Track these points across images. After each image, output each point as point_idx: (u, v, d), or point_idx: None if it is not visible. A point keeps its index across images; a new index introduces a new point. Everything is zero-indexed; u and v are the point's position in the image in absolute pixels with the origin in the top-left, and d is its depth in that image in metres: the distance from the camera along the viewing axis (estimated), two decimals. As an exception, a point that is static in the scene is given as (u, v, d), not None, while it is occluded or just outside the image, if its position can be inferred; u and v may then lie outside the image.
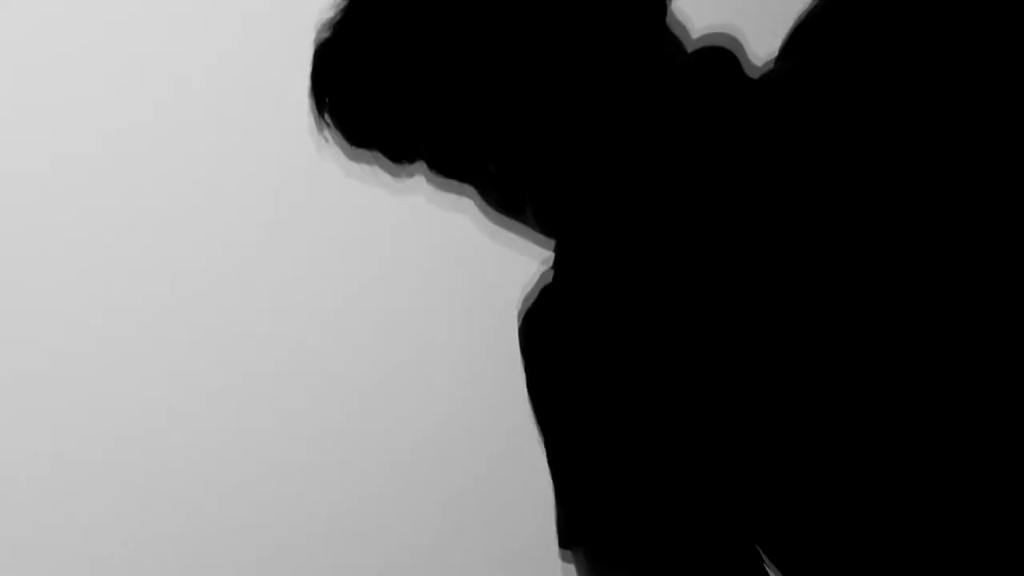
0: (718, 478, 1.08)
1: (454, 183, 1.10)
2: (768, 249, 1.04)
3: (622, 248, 1.10)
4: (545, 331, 1.17)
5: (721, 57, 1.12)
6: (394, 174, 1.11)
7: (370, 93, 1.05)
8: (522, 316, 1.20)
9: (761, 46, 1.14)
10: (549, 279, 1.19)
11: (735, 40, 1.14)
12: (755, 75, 1.13)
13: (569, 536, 1.15)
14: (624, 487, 1.11)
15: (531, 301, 1.19)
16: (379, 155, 1.11)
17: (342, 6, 1.08)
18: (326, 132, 1.08)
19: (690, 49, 1.13)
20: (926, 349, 1.00)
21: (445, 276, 2.24)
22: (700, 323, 1.07)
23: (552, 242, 1.14)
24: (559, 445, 1.16)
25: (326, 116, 1.08)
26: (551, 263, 1.19)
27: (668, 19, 1.11)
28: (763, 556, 1.10)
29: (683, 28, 1.13)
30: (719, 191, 1.05)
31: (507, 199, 1.08)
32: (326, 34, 1.08)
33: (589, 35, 1.04)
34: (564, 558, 1.16)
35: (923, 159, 1.00)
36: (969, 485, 0.99)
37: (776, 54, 1.13)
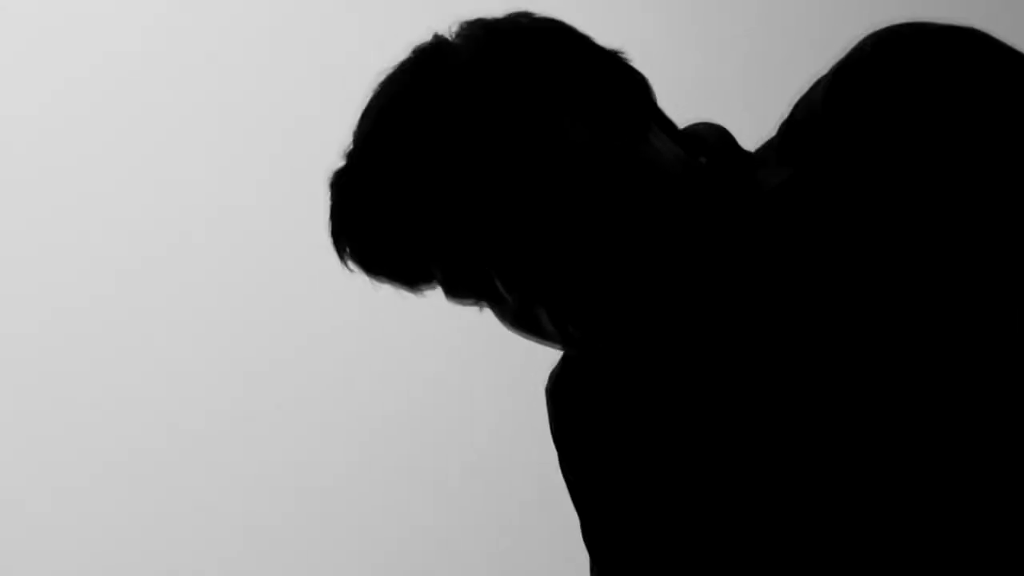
0: (728, 544, 1.14)
1: (472, 305, 1.13)
2: (772, 343, 1.07)
3: (640, 346, 1.14)
4: (569, 395, 1.21)
5: (719, 138, 1.14)
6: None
7: (384, 233, 1.09)
8: (551, 378, 1.24)
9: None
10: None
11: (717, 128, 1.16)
12: (753, 150, 1.15)
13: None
14: (647, 543, 1.16)
15: (557, 366, 1.23)
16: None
17: (358, 141, 1.11)
18: (349, 262, 1.12)
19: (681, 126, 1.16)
20: (916, 468, 1.04)
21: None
22: (709, 411, 1.11)
23: None
24: (586, 505, 1.21)
25: (347, 256, 1.12)
26: None
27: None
28: None
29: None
30: (730, 294, 1.08)
31: (521, 318, 1.10)
32: (342, 169, 1.11)
33: (590, 151, 1.06)
34: None
35: (927, 282, 1.03)
36: None
37: (773, 133, 1.14)
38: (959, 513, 1.05)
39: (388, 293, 1.16)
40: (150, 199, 2.58)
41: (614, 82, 1.10)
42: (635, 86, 1.11)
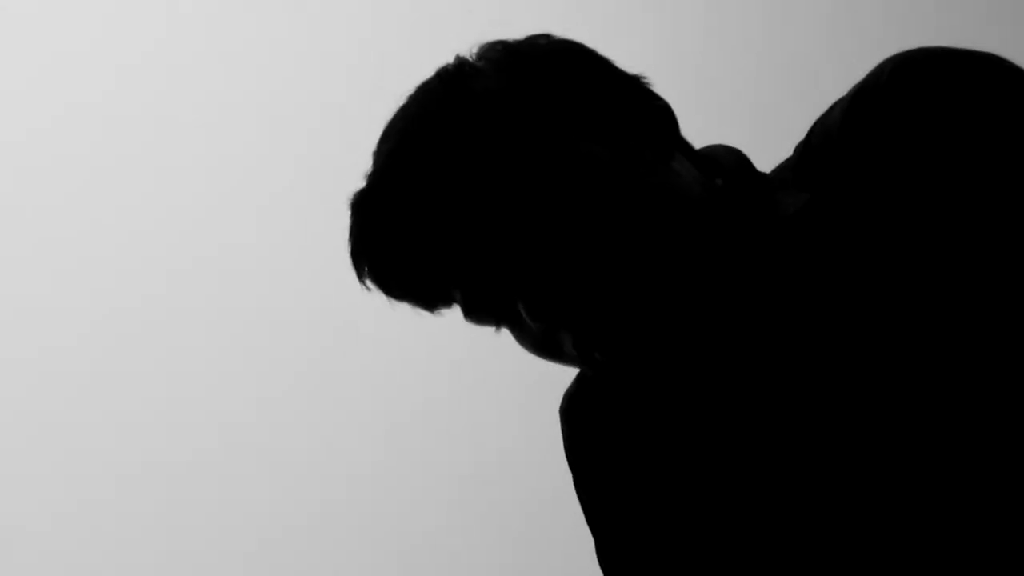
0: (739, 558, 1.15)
1: (490, 327, 1.13)
2: (790, 367, 1.08)
3: (652, 382, 1.14)
4: (584, 416, 1.21)
5: (736, 161, 1.14)
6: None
7: (405, 256, 1.09)
8: (565, 398, 1.24)
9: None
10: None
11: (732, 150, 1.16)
12: (768, 171, 1.15)
13: None
14: (663, 564, 1.16)
15: (572, 387, 1.23)
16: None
17: (380, 162, 1.11)
18: (367, 282, 1.12)
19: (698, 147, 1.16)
20: (929, 492, 1.05)
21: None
22: (725, 433, 1.12)
23: None
24: (602, 526, 1.20)
25: (366, 277, 1.11)
26: None
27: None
28: None
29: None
30: (749, 317, 1.08)
31: (543, 343, 1.10)
32: (363, 191, 1.10)
33: (610, 172, 1.06)
34: None
35: (941, 306, 1.03)
36: None
37: (791, 154, 1.14)
38: (974, 523, 1.05)
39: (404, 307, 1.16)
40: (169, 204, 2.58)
41: (635, 106, 1.10)
42: (656, 111, 1.10)
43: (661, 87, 1.13)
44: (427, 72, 1.12)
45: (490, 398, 2.60)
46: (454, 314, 1.12)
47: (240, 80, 2.62)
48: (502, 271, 1.06)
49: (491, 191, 1.05)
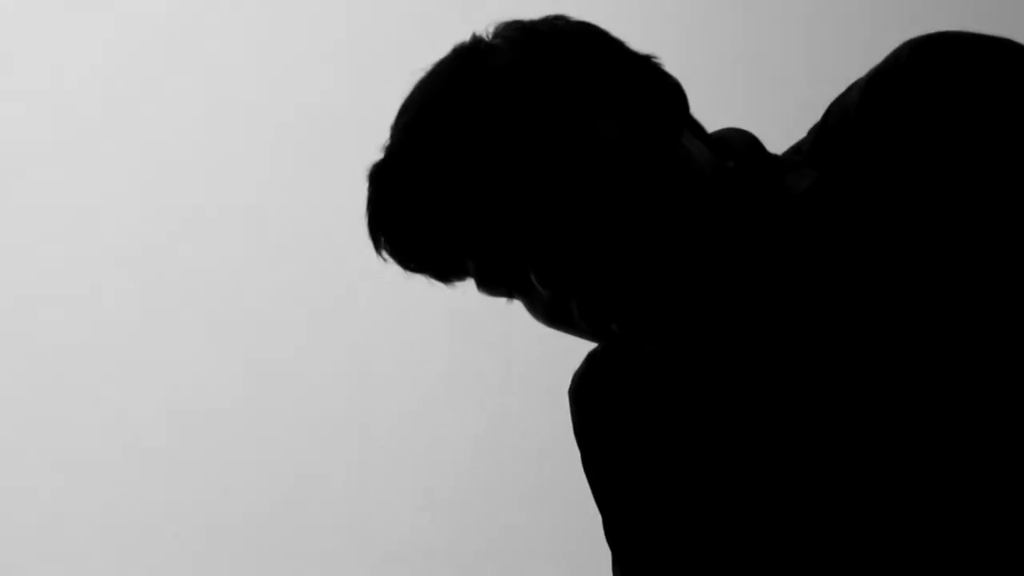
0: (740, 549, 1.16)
1: (502, 297, 1.14)
2: (796, 344, 1.09)
3: (661, 359, 1.16)
4: (593, 395, 1.22)
5: (747, 144, 1.15)
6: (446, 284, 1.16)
7: (421, 226, 1.11)
8: (574, 379, 1.25)
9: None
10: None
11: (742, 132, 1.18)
12: (781, 152, 1.17)
13: None
14: (670, 541, 1.18)
15: (581, 367, 1.25)
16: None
17: (397, 136, 1.12)
18: (383, 253, 1.13)
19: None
20: (934, 471, 1.06)
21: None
22: (731, 409, 1.13)
23: None
24: (610, 503, 1.23)
25: (383, 247, 1.13)
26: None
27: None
28: None
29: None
30: (756, 295, 1.09)
31: (554, 312, 1.11)
32: (380, 163, 1.12)
33: (622, 148, 1.08)
34: None
35: (947, 289, 1.05)
36: None
37: (805, 136, 1.15)
38: (973, 516, 1.06)
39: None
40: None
41: (647, 85, 1.11)
42: (668, 89, 1.12)
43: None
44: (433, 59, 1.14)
45: (482, 396, 2.61)
46: (467, 286, 1.13)
47: (239, 75, 2.63)
48: (515, 239, 1.07)
49: (505, 163, 1.07)
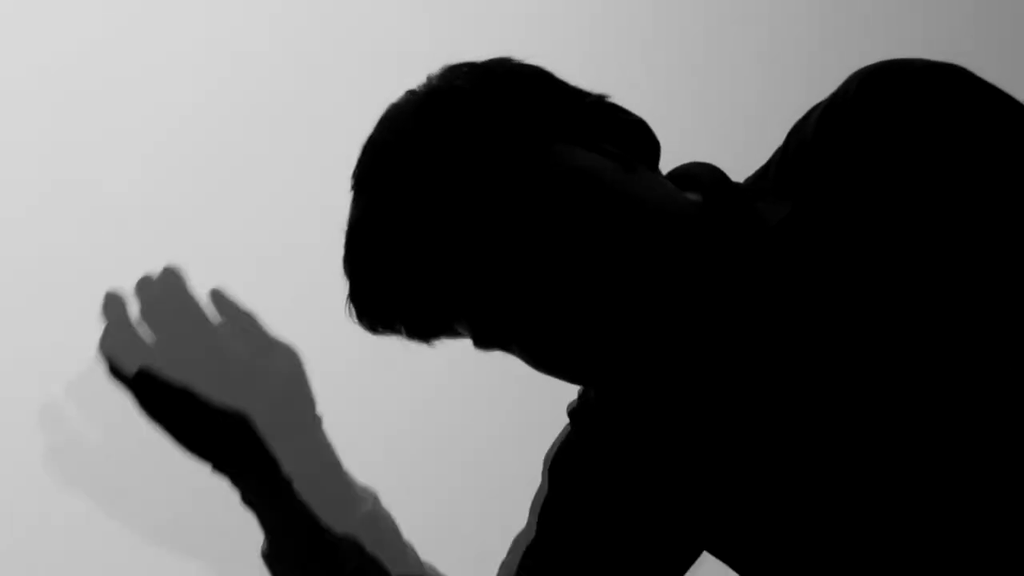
0: None
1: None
2: (784, 379, 1.10)
3: (650, 400, 1.16)
4: (570, 468, 1.21)
5: (711, 175, 1.15)
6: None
7: (401, 299, 1.10)
8: (555, 446, 1.23)
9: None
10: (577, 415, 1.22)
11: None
12: (744, 179, 1.17)
13: None
14: None
15: (562, 438, 1.24)
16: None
17: (368, 185, 1.12)
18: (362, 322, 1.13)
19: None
20: (925, 515, 1.08)
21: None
22: (720, 460, 1.13)
23: None
24: (559, 531, 1.21)
25: (363, 318, 1.13)
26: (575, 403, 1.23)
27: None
28: None
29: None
30: (739, 332, 1.10)
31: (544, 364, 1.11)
32: (356, 223, 1.12)
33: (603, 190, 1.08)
34: None
35: (921, 310, 1.06)
36: None
37: (767, 163, 1.15)
38: (970, 527, 1.07)
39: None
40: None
41: (603, 119, 1.13)
42: (627, 124, 1.13)
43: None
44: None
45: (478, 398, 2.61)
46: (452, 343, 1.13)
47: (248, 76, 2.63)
48: (489, 287, 1.07)
49: (468, 202, 1.07)
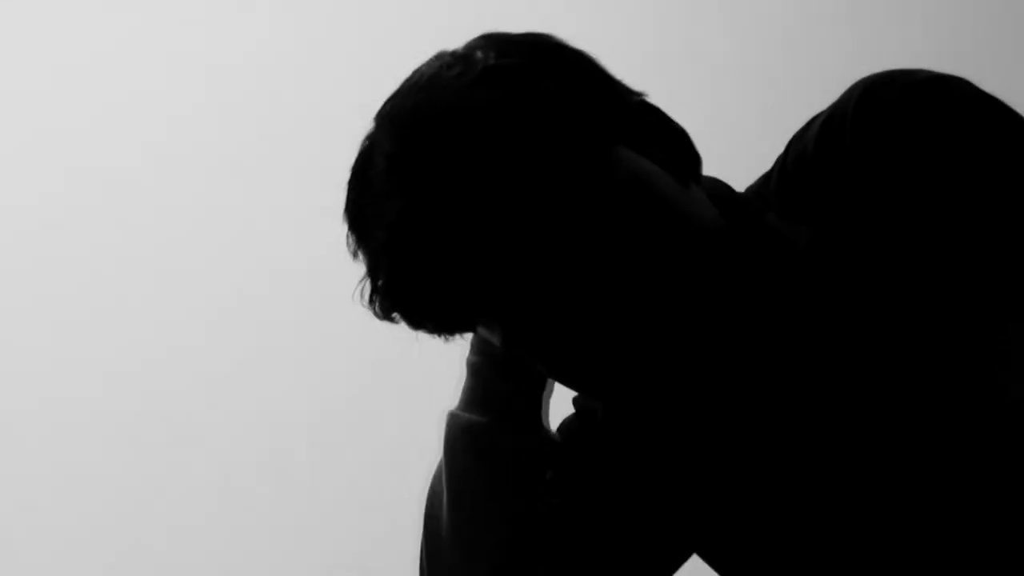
0: None
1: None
2: (791, 422, 1.09)
3: (671, 415, 1.13)
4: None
5: (723, 192, 1.11)
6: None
7: (443, 289, 1.01)
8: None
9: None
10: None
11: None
12: (746, 188, 1.14)
13: None
14: None
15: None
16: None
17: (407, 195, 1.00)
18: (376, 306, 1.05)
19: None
20: (939, 537, 1.07)
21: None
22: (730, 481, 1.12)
23: None
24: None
25: (394, 310, 1.04)
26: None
27: None
28: None
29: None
30: (764, 363, 1.08)
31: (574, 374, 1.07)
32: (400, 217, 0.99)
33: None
34: None
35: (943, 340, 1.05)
36: None
37: (769, 171, 1.13)
38: (969, 539, 1.07)
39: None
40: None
41: (650, 125, 1.06)
42: (671, 134, 1.07)
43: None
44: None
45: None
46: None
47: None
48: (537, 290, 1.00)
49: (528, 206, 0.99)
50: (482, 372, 1.13)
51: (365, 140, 1.04)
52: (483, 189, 0.97)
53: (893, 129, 1.04)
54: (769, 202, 1.10)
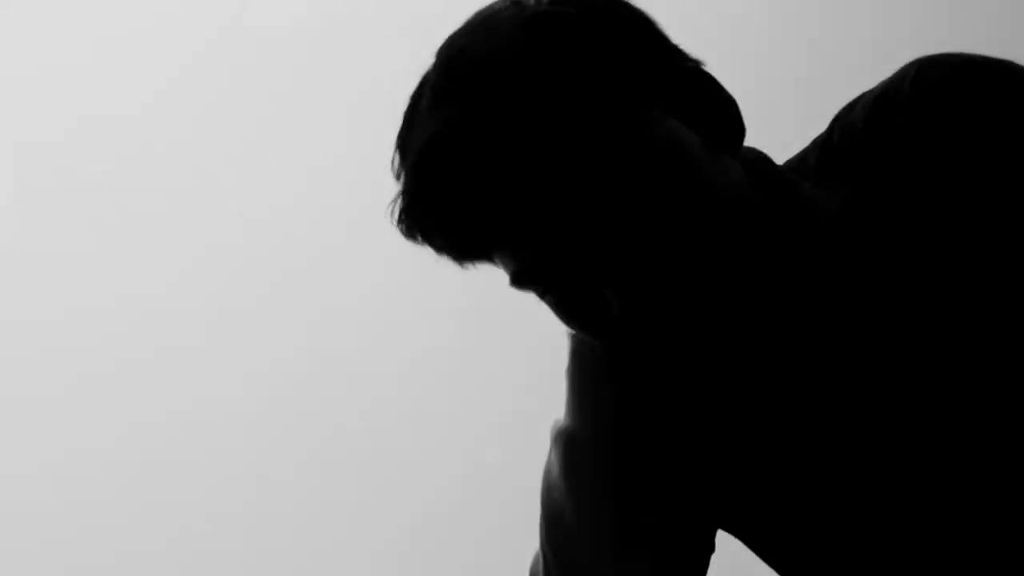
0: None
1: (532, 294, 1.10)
2: (836, 361, 1.09)
3: (681, 369, 1.14)
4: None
5: (761, 161, 1.12)
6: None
7: (469, 213, 1.04)
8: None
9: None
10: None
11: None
12: (786, 161, 1.15)
13: None
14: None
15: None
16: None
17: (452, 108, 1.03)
18: (406, 220, 1.07)
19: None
20: (951, 483, 1.08)
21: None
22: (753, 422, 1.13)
23: None
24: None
25: (416, 226, 1.06)
26: None
27: None
28: None
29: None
30: (783, 326, 1.08)
31: (583, 313, 1.08)
32: (432, 138, 1.04)
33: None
34: None
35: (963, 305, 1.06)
36: None
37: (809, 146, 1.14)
38: (978, 519, 1.07)
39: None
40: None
41: (698, 91, 1.07)
42: (719, 102, 1.08)
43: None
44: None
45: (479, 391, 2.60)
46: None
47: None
48: (562, 231, 1.03)
49: (562, 151, 1.01)
50: None
51: (424, 73, 1.09)
52: (509, 125, 1.02)
53: (952, 106, 1.05)
54: (805, 175, 1.11)
